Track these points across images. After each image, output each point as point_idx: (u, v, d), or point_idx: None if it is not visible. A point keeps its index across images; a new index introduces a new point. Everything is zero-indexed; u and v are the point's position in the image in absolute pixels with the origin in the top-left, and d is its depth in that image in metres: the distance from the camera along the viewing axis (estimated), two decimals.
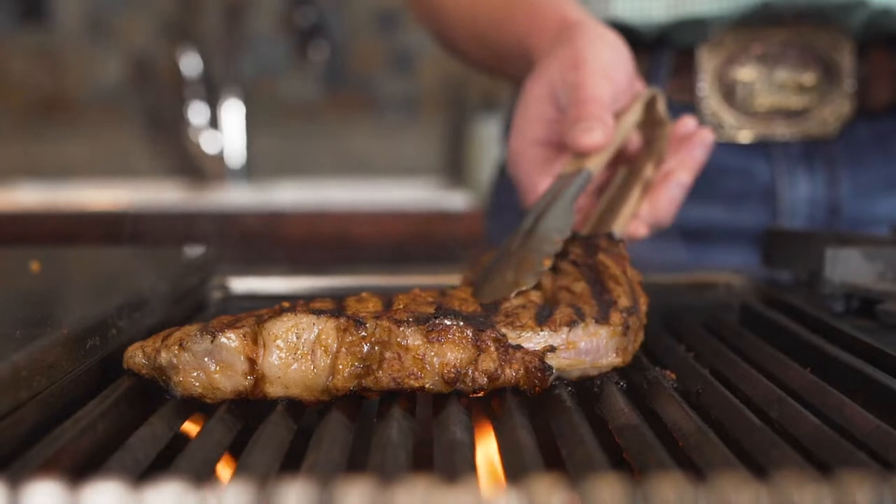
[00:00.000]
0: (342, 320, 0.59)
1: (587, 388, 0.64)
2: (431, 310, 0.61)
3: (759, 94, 1.10)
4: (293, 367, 0.58)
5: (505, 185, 1.25)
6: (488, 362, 0.59)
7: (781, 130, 1.10)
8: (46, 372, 0.55)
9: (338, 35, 2.98)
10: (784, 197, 1.12)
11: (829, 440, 0.52)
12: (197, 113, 2.89)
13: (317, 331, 0.58)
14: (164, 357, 0.58)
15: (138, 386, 0.61)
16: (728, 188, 1.14)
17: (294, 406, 0.59)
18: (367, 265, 0.99)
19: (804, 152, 1.12)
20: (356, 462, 0.53)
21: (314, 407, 0.60)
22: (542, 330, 0.62)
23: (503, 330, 0.61)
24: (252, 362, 0.58)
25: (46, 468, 0.44)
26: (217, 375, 0.58)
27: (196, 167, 2.92)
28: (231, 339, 0.58)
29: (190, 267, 0.89)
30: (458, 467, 0.44)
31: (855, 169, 1.13)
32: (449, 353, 0.58)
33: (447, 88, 3.01)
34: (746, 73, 1.09)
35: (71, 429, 0.51)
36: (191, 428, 0.61)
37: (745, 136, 1.11)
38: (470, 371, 0.59)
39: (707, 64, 1.10)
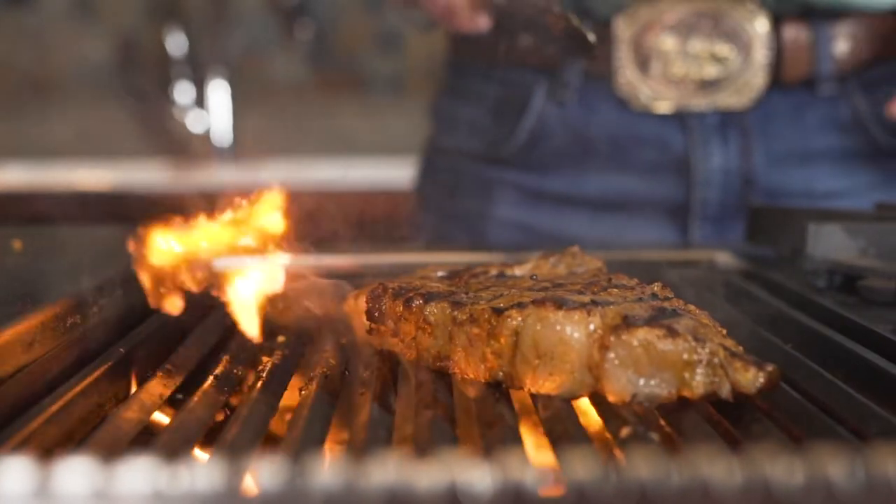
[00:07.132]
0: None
1: None
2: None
3: (674, 63, 1.10)
4: None
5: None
6: None
7: (697, 101, 1.11)
8: (27, 349, 0.55)
9: (324, 14, 2.96)
10: (698, 167, 1.13)
11: (810, 415, 0.52)
12: (183, 92, 2.87)
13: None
14: None
15: (119, 363, 0.61)
16: (643, 158, 1.14)
17: (275, 384, 0.59)
18: (354, 244, 0.99)
19: (719, 122, 1.13)
20: (337, 438, 0.53)
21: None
22: None
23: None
24: None
25: (25, 444, 0.44)
26: None
27: (182, 147, 2.90)
28: None
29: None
30: (436, 443, 0.44)
31: (768, 140, 1.14)
32: None
33: (434, 67, 3.00)
34: (661, 43, 1.10)
35: (51, 404, 0.51)
36: (174, 405, 0.61)
37: (660, 107, 1.12)
38: None
39: (623, 34, 1.10)
